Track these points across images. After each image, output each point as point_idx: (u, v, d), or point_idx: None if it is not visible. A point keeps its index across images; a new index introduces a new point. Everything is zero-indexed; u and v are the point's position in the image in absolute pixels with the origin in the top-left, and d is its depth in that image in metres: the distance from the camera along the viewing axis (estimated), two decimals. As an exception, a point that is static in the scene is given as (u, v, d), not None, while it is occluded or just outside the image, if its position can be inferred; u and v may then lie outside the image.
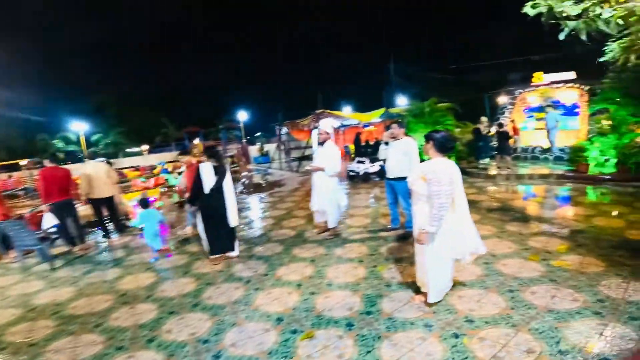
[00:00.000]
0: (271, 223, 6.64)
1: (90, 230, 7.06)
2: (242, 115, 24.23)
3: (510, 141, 9.57)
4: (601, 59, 9.11)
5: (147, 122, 29.36)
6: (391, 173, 4.91)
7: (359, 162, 10.38)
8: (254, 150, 23.19)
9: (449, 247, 3.03)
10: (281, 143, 17.77)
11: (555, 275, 3.53)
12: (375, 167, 10.17)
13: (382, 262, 4.28)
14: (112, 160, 9.59)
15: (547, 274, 3.57)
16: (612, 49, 8.62)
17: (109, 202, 6.52)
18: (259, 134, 22.68)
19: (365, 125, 20.00)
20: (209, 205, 4.62)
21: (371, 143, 17.40)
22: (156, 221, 5.22)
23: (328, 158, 5.05)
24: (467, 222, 3.01)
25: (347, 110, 24.69)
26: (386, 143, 5.13)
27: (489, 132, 12.14)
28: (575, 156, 8.56)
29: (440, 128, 13.15)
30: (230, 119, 27.98)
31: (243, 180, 11.50)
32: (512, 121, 12.27)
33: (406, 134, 12.01)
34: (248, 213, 7.67)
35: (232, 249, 4.87)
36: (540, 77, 13.07)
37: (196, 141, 21.54)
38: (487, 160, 11.62)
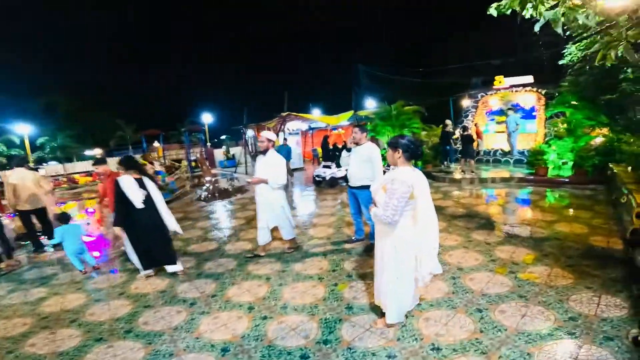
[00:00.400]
0: (227, 235, 6.10)
1: (21, 244, 6.28)
2: (207, 118, 23.22)
3: (474, 144, 9.63)
4: (560, 62, 9.44)
5: (101, 124, 27.39)
6: (353, 181, 4.55)
7: (325, 166, 10.04)
8: (219, 154, 22.32)
9: (410, 266, 2.72)
10: (247, 146, 17.11)
11: (524, 290, 3.31)
12: (342, 172, 9.86)
13: (343, 280, 3.90)
14: (42, 166, 8.60)
15: (516, 289, 3.35)
16: (571, 52, 8.92)
17: (40, 213, 5.92)
18: (224, 136, 21.75)
19: (334, 128, 19.82)
20: (141, 220, 4.11)
21: (339, 146, 17.20)
22: (78, 237, 4.58)
23: (271, 168, 4.44)
24: (431, 237, 2.69)
25: (316, 113, 24.44)
26: (348, 149, 4.76)
27: (454, 135, 12.25)
28: (535, 159, 8.71)
29: (406, 131, 13.15)
30: (193, 121, 26.80)
31: (206, 185, 10.85)
32: (476, 124, 12.47)
33: (376, 138, 11.89)
34: (203, 223, 7.05)
35: (173, 262, 4.38)
36: (501, 81, 13.41)
37: (156, 144, 20.33)
38: (452, 163, 11.70)
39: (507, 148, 12.19)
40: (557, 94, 9.67)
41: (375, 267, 2.94)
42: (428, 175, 10.46)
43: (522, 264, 3.87)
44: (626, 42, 2.80)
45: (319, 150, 16.40)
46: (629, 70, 7.06)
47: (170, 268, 4.40)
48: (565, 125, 10.50)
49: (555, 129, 11.79)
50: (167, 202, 9.57)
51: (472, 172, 9.13)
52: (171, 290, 4.04)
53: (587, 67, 7.70)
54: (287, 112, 12.39)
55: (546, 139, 11.68)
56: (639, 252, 3.39)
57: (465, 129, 9.47)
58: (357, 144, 4.50)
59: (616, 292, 3.12)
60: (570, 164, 8.67)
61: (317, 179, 9.98)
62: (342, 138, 18.75)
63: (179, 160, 19.33)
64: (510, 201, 6.95)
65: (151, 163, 12.76)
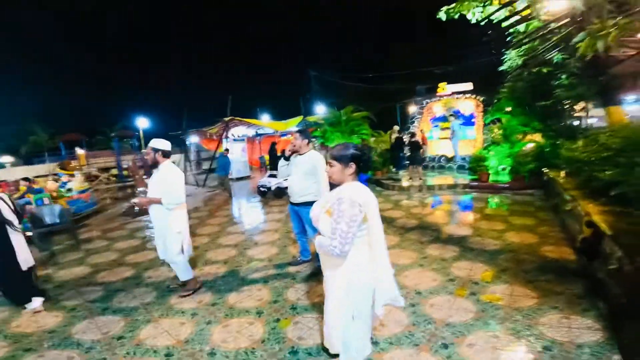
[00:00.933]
0: (149, 258, 5.11)
1: None
2: (143, 122, 21.13)
3: (421, 151, 9.61)
4: (501, 68, 9.84)
5: (10, 130, 23.58)
6: (294, 196, 3.92)
7: (271, 175, 9.31)
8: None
9: (369, 302, 2.17)
10: (188, 153, 15.72)
11: (489, 315, 2.94)
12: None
13: (287, 313, 3.25)
14: None
15: (480, 314, 2.97)
16: (510, 57, 9.31)
17: None
18: (161, 142, 20.03)
19: (284, 135, 19.15)
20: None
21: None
22: None
23: (164, 185, 3.52)
24: (384, 264, 2.16)
25: (264, 119, 23.58)
26: (286, 158, 4.12)
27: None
28: (477, 166, 8.88)
29: (355, 138, 12.96)
30: (125, 126, 24.16)
31: (137, 197, 9.55)
32: (422, 131, 12.65)
33: (326, 145, 11.42)
34: (122, 244, 5.93)
35: (22, 301, 3.66)
36: (444, 88, 13.84)
37: (79, 151, 17.92)
38: (400, 170, 11.69)
39: (450, 154, 12.54)
40: (496, 100, 10.06)
41: (326, 303, 2.34)
42: (377, 184, 10.44)
43: (482, 283, 3.54)
44: (615, 32, 2.53)
45: (267, 157, 15.59)
46: (563, 76, 7.43)
47: (28, 307, 3.65)
48: (501, 131, 11.04)
49: (492, 135, 12.41)
50: (82, 218, 8.43)
51: (420, 179, 9.07)
52: (64, 329, 3.18)
53: (526, 72, 8.00)
54: (230, 117, 11.47)
55: (485, 145, 12.23)
56: (598, 264, 3.22)
57: (412, 135, 9.41)
58: (297, 152, 3.89)
59: (583, 311, 2.87)
60: (509, 169, 8.98)
61: (261, 189, 9.22)
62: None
63: (108, 169, 17.23)
64: (459, 210, 6.84)
65: (70, 173, 11.00)
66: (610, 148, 4.43)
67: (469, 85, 13.83)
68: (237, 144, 14.37)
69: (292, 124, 14.62)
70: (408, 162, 9.48)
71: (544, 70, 7.65)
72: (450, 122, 12.11)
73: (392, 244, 4.88)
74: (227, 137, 13.99)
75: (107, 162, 17.78)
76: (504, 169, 9.11)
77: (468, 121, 13.32)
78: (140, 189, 11.18)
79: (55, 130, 21.71)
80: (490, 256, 4.26)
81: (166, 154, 3.64)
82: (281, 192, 8.98)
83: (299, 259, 4.40)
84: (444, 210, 6.74)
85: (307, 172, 3.72)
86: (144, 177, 13.15)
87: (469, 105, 13.52)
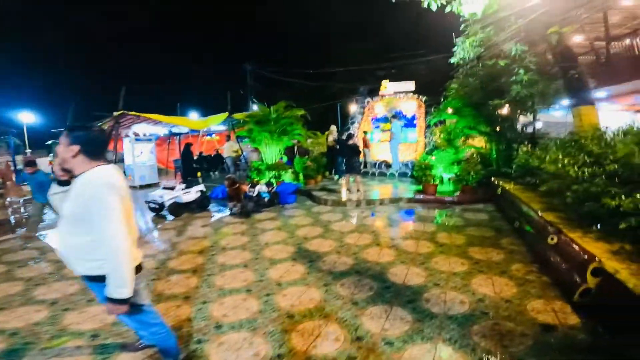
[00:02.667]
0: None
1: None
2: (27, 117, 16.96)
3: (360, 156, 8.04)
4: (451, 60, 8.70)
5: None
6: (71, 263, 1.88)
7: (166, 187, 7.03)
8: (44, 164, 16.42)
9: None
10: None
11: None
12: (192, 194, 7.04)
13: None
14: None
15: None
16: (463, 48, 8.20)
17: None
18: (50, 142, 15.91)
19: (210, 134, 16.58)
20: None
21: (211, 155, 14.13)
22: None
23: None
24: None
25: (193, 116, 20.70)
26: (62, 183, 2.04)
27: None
28: (422, 175, 7.56)
29: (286, 140, 11.13)
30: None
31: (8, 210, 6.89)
32: (365, 132, 11.21)
33: (256, 148, 9.42)
34: None
35: None
36: (385, 86, 12.67)
37: None
38: (337, 178, 10.13)
39: (391, 159, 11.33)
40: (443, 99, 8.92)
41: None
42: (308, 196, 8.48)
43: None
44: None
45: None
46: (521, 71, 6.37)
47: None
48: (444, 134, 10.04)
49: (434, 138, 11.47)
50: None
51: (359, 190, 7.52)
52: None
53: (480, 65, 6.83)
54: (120, 111, 8.86)
55: (426, 150, 11.23)
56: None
57: (350, 136, 7.81)
58: (67, 172, 1.87)
59: None
60: (456, 179, 7.85)
61: (151, 205, 6.92)
62: (215, 146, 15.71)
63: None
64: (405, 237, 5.31)
65: None
66: (614, 160, 3.17)
67: (410, 85, 12.82)
68: (142, 144, 11.63)
69: (215, 122, 12.30)
70: (345, 170, 7.86)
71: (501, 63, 6.53)
72: (392, 123, 10.85)
73: (313, 305, 3.13)
74: (122, 135, 11.21)
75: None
76: (451, 179, 7.94)
77: (410, 123, 12.29)
78: (11, 198, 8.16)
79: None
80: (459, 328, 2.69)
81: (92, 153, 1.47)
82: (179, 209, 6.79)
83: (138, 343, 2.39)
84: (387, 239, 5.16)
85: (76, 216, 1.72)
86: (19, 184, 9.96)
87: (411, 106, 12.50)
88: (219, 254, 4.72)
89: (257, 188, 6.72)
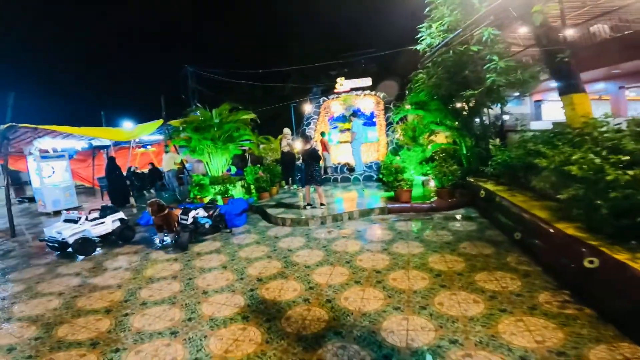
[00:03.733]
0: None
1: None
2: None
3: (320, 161, 6.90)
4: (417, 47, 7.82)
5: None
6: None
7: (67, 220, 5.32)
8: None
9: None
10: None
11: None
12: (106, 225, 5.39)
13: None
14: None
15: None
16: (430, 34, 7.30)
17: None
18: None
19: (145, 146, 14.42)
20: None
21: (144, 172, 12.11)
22: None
23: None
24: None
25: (128, 125, 18.17)
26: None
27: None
28: (393, 180, 6.58)
29: (233, 147, 9.67)
30: None
31: None
32: (322, 134, 10.08)
33: (200, 160, 7.61)
34: None
35: None
36: (341, 83, 11.72)
37: None
38: (295, 187, 8.90)
39: (353, 162, 10.35)
40: (407, 92, 8.05)
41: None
42: (262, 214, 6.93)
43: None
44: None
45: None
46: (495, 57, 5.59)
47: None
48: (408, 132, 9.25)
49: (396, 136, 10.69)
50: None
51: (322, 204, 6.36)
52: None
53: (451, 52, 5.97)
54: (8, 124, 6.85)
55: (389, 149, 10.42)
56: None
57: (307, 138, 6.60)
58: None
59: None
60: (433, 182, 7.00)
61: (49, 244, 5.17)
62: (150, 158, 13.64)
63: None
64: (390, 266, 4.20)
65: None
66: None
67: (367, 81, 11.99)
68: (53, 162, 9.45)
69: (146, 131, 10.45)
70: (304, 179, 6.64)
71: (473, 48, 5.72)
72: (352, 122, 9.86)
73: None
74: (31, 154, 9.01)
75: None
76: (424, 183, 7.06)
77: (369, 121, 11.43)
78: None
79: None
80: None
81: None
82: (87, 247, 5.13)
83: None
84: (368, 271, 4.02)
85: None
86: None
87: (369, 103, 11.65)
88: (136, 314, 3.30)
89: (192, 215, 5.23)
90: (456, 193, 6.49)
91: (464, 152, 7.38)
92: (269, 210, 6.59)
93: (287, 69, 20.43)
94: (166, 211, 5.26)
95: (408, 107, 7.81)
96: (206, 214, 5.44)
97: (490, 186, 5.58)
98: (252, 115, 12.53)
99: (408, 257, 4.18)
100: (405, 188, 6.26)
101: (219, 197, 7.78)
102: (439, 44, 6.09)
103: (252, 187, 8.15)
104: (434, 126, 7.85)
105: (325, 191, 8.16)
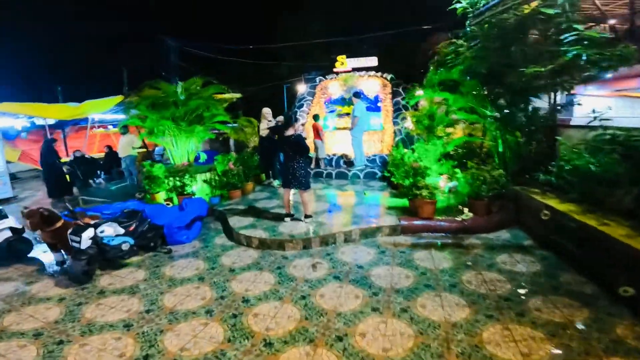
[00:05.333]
0: None
1: None
2: None
3: (306, 153, 4.87)
4: (453, 6, 5.57)
5: None
6: None
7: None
8: None
9: None
10: None
11: None
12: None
13: None
14: None
15: None
16: None
17: None
18: None
19: (101, 123, 12.14)
20: None
21: (93, 157, 10.00)
22: None
23: None
24: None
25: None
26: None
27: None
28: (413, 187, 4.64)
29: (201, 129, 7.68)
30: None
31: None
32: (315, 117, 8.07)
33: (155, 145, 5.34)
34: None
35: None
36: (343, 62, 9.73)
37: None
38: (277, 184, 6.98)
39: (352, 154, 8.43)
40: (432, 68, 6.08)
41: None
42: (222, 223, 4.87)
43: None
44: None
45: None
46: (579, 26, 3.77)
47: None
48: (423, 120, 7.32)
49: (406, 124, 8.76)
50: None
51: (307, 216, 4.48)
52: None
53: (511, 11, 4.06)
54: None
55: (396, 140, 8.50)
56: None
57: (287, 122, 4.62)
58: None
59: None
60: (460, 189, 5.11)
61: None
62: (111, 141, 11.54)
63: None
64: (414, 351, 2.40)
65: None
66: None
67: (372, 60, 10.02)
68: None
69: (100, 108, 8.45)
70: (285, 181, 4.68)
71: (549, 11, 3.86)
72: (354, 105, 7.88)
73: None
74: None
75: None
76: (453, 190, 5.13)
77: (373, 106, 9.47)
78: None
79: None
80: None
81: None
82: (18, 248, 3.27)
83: None
84: None
85: None
86: None
87: (373, 85, 9.68)
88: None
89: (87, 235, 3.23)
90: (493, 206, 4.65)
91: (500, 149, 5.49)
92: (232, 221, 4.69)
93: (282, 46, 18.22)
94: (59, 224, 3.37)
95: (446, 87, 5.87)
96: (122, 231, 3.53)
97: (558, 204, 3.74)
98: (233, 95, 10.46)
99: (447, 330, 2.35)
100: (427, 199, 4.36)
101: (174, 195, 5.89)
102: (487, 4, 4.16)
103: (214, 182, 6.20)
104: (462, 114, 5.93)
105: (316, 192, 6.28)
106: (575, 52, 3.77)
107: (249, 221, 4.70)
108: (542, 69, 3.97)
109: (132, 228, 3.70)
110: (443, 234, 4.27)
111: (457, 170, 5.20)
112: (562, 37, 4.00)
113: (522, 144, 5.18)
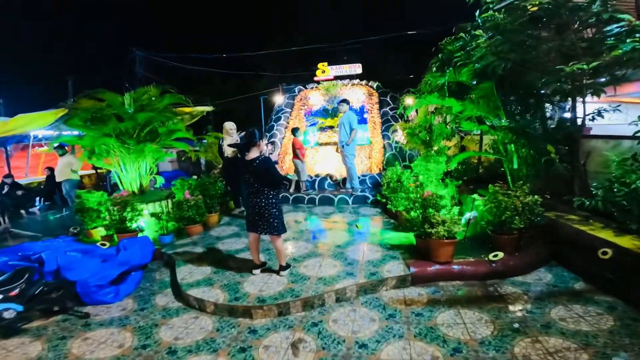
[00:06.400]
0: None
1: None
2: None
3: (277, 185, 3.60)
4: None
5: None
6: None
7: None
8: None
9: None
10: None
11: None
12: None
13: None
14: None
15: None
16: None
17: None
18: None
19: (40, 140, 10.36)
20: None
21: (17, 184, 8.41)
22: None
23: None
24: None
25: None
26: None
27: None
28: (425, 222, 3.48)
29: (155, 149, 6.25)
30: None
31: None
32: (294, 131, 6.90)
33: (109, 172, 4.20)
34: None
35: None
36: (325, 69, 8.78)
37: None
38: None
39: (341, 174, 7.32)
40: (434, 69, 5.07)
41: None
42: (172, 271, 3.51)
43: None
44: None
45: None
46: (626, 16, 2.92)
47: None
48: (420, 132, 6.35)
49: (396, 138, 7.78)
50: None
51: (285, 267, 3.31)
52: None
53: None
54: None
55: (385, 155, 7.50)
56: None
57: (250, 141, 3.31)
58: None
59: None
60: (479, 220, 4.08)
61: None
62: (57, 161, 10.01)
63: None
64: None
65: None
66: None
67: (357, 67, 9.16)
68: None
69: (36, 123, 7.04)
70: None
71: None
72: (340, 115, 6.78)
73: None
74: None
75: None
76: (472, 221, 4.06)
77: (359, 117, 8.47)
78: None
79: None
80: None
81: None
82: None
83: None
84: None
85: None
86: None
87: (358, 95, 8.75)
88: None
89: None
90: (522, 239, 3.64)
91: (516, 166, 4.52)
92: (181, 272, 3.44)
93: (262, 54, 17.22)
94: None
95: (429, 93, 4.92)
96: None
97: (614, 237, 2.79)
98: (204, 108, 9.32)
99: None
100: (445, 238, 3.26)
101: (113, 232, 4.58)
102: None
103: (166, 216, 4.85)
104: (468, 125, 4.98)
105: (296, 225, 5.10)
106: (632, 45, 2.89)
107: (204, 273, 3.46)
108: (586, 66, 3.06)
109: (14, 293, 2.50)
110: (467, 282, 3.20)
111: (476, 196, 4.20)
112: (606, 29, 3.14)
113: (541, 160, 4.26)
